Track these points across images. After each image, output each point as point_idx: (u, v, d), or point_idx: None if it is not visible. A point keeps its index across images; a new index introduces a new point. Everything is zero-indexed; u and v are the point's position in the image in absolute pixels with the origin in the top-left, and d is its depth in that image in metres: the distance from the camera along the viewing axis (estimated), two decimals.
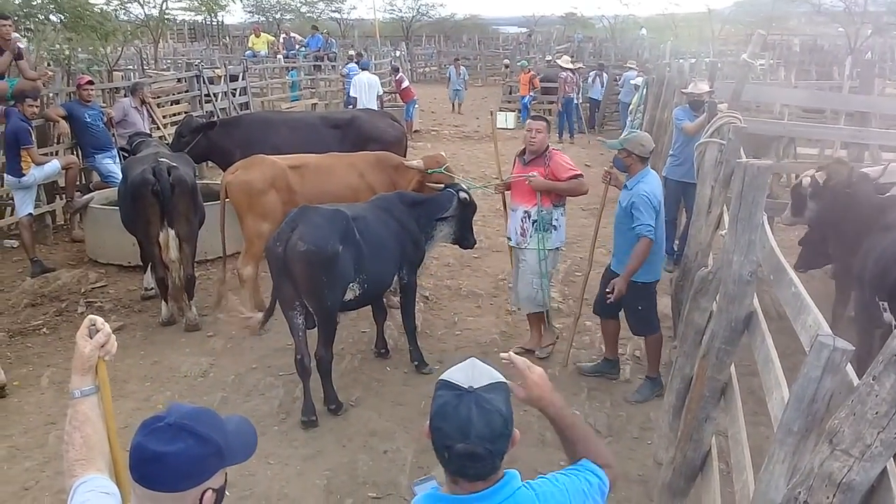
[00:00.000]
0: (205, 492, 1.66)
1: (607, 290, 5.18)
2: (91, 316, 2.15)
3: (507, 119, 19.20)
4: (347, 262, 4.87)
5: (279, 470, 4.49)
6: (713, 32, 29.06)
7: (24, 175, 7.64)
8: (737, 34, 31.42)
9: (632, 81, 15.63)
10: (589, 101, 18.90)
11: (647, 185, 5.02)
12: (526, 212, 5.66)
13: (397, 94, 18.04)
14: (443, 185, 5.94)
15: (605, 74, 18.79)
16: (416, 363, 5.75)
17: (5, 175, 7.73)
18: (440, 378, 1.78)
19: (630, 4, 74.52)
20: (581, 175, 5.63)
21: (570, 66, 17.62)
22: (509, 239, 5.92)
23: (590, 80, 18.79)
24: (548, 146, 5.68)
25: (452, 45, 38.35)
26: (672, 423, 4.08)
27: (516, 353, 2.17)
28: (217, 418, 1.73)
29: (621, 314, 5.45)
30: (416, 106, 18.02)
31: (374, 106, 14.02)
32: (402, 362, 5.87)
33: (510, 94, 21.68)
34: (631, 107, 14.53)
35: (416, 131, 17.30)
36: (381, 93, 15.24)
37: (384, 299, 6.06)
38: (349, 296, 5.02)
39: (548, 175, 5.54)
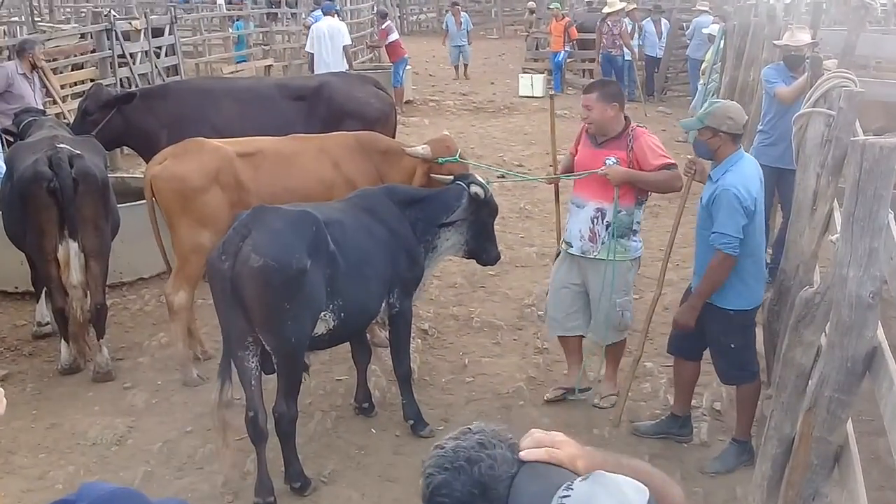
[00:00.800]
0: None
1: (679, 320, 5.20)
2: None
3: (532, 84, 19.34)
4: (318, 283, 4.90)
5: None
6: None
7: None
8: None
9: (704, 30, 15.69)
10: (645, 59, 18.94)
11: (738, 174, 5.00)
12: (599, 210, 5.69)
13: (382, 50, 18.14)
14: (451, 178, 5.95)
15: (665, 21, 18.86)
16: (411, 422, 5.76)
17: None
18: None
19: None
20: (675, 164, 5.65)
21: (619, 6, 17.68)
22: (569, 245, 5.92)
23: (644, 29, 18.81)
24: (628, 122, 5.73)
25: None
26: (767, 501, 4.08)
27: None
28: (146, 500, 1.74)
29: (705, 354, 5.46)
30: (408, 67, 18.10)
31: (341, 65, 13.89)
32: (392, 421, 5.90)
33: (537, 49, 21.78)
34: (703, 64, 14.59)
35: (407, 102, 17.42)
36: (348, 44, 14.82)
37: (368, 334, 6.07)
38: (321, 329, 5.04)
39: (631, 162, 5.57)
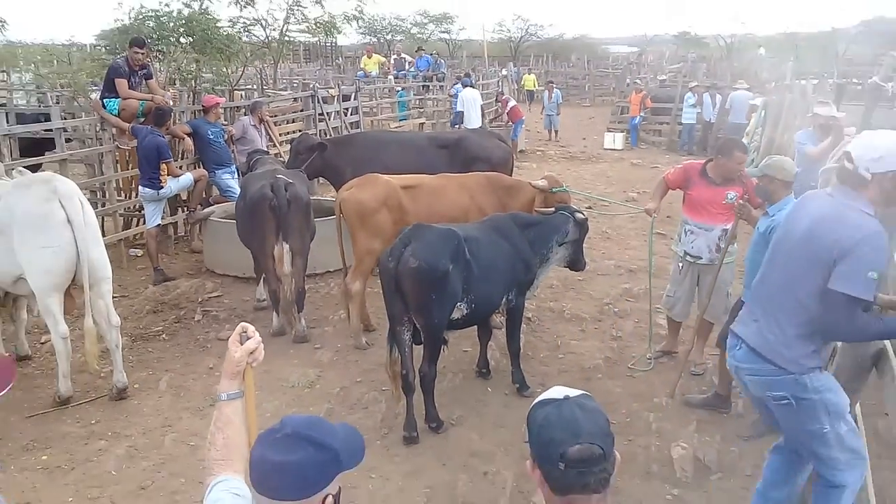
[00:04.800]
0: (325, 498, 1.72)
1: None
2: (243, 323, 2.29)
3: (615, 139, 19.01)
4: (456, 282, 4.94)
5: (381, 485, 4.58)
6: (838, 53, 27.76)
7: (162, 188, 8.18)
8: (863, 55, 29.87)
9: (751, 101, 15.15)
10: (703, 122, 18.39)
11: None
12: (723, 230, 5.64)
13: (505, 115, 18.16)
14: (553, 209, 5.92)
15: (718, 95, 18.30)
16: (517, 385, 5.74)
17: (141, 188, 8.26)
18: (532, 405, 1.80)
19: (747, 23, 72.07)
20: None
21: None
22: (696, 258, 5.83)
23: (693, 99, 18.19)
24: None
25: (560, 64, 38.28)
26: None
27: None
28: (330, 426, 1.79)
29: None
30: (523, 126, 18.09)
31: (479, 119, 14.94)
32: (503, 384, 5.88)
33: (620, 114, 21.40)
34: (748, 128, 14.09)
35: (521, 151, 17.35)
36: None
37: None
38: (457, 314, 5.08)
39: (745, 194, 5.51)
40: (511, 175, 8.25)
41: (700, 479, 4.62)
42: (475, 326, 5.79)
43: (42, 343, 6.55)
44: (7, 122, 8.22)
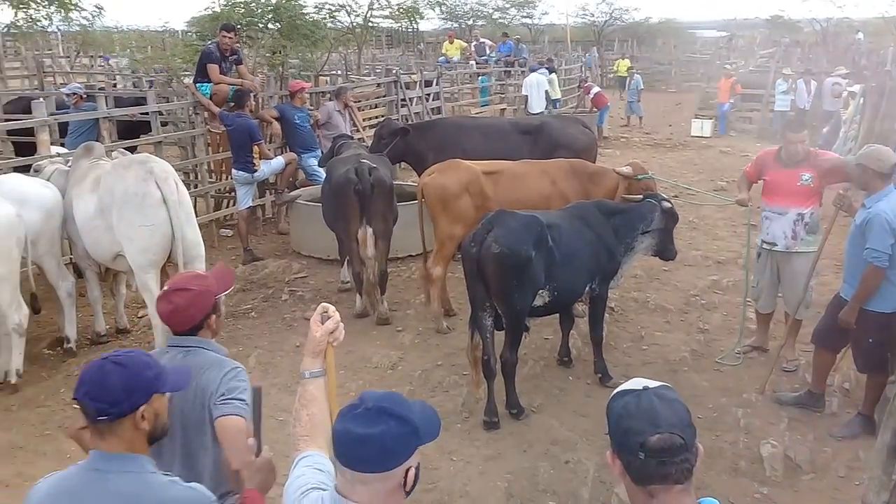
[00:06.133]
0: (407, 470, 1.76)
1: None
2: (324, 304, 2.34)
3: (702, 127, 18.46)
4: (539, 269, 4.91)
5: (461, 467, 4.62)
6: None
7: (255, 171, 8.42)
8: None
9: (849, 89, 14.44)
10: (796, 109, 17.65)
11: (888, 203, 4.55)
12: (800, 214, 5.48)
13: (586, 100, 17.89)
14: (641, 196, 5.80)
15: (813, 81, 17.52)
16: (599, 375, 5.68)
17: (234, 171, 8.52)
18: (611, 396, 1.79)
19: (844, 7, 68.47)
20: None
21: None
22: (772, 244, 5.64)
23: (784, 86, 17.45)
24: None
25: (646, 49, 37.37)
26: (887, 464, 3.74)
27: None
28: (406, 401, 1.83)
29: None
30: (608, 112, 17.80)
31: (543, 104, 15.34)
32: (584, 373, 5.83)
33: (708, 100, 20.75)
34: (845, 116, 13.44)
35: (604, 138, 17.06)
36: (551, 94, 16.10)
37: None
38: (539, 301, 5.06)
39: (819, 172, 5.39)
40: (594, 162, 8.12)
41: (790, 479, 4.47)
42: (557, 314, 5.75)
43: (139, 317, 6.85)
44: (106, 105, 8.60)
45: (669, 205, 5.70)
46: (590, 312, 5.66)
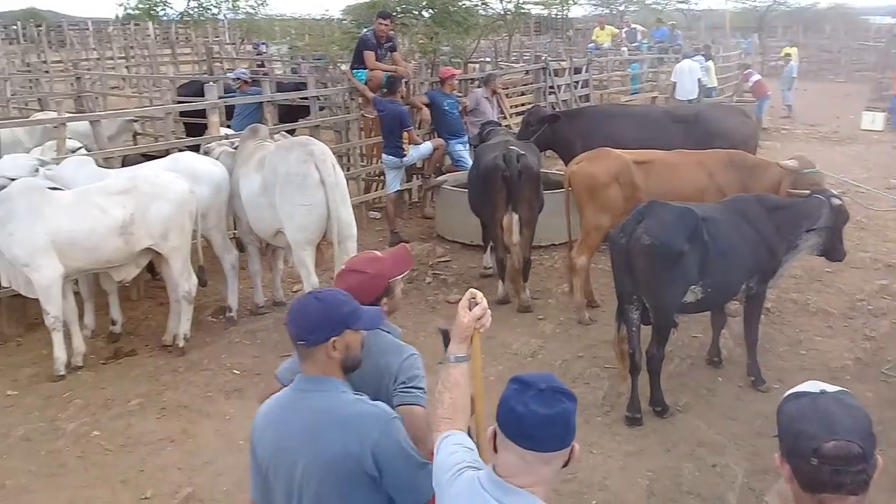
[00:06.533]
0: (573, 447, 1.80)
1: None
2: (473, 290, 2.37)
3: (874, 120, 17.07)
4: (692, 263, 4.73)
5: (601, 461, 4.56)
6: None
7: (404, 156, 8.66)
8: None
9: None
10: None
11: None
12: None
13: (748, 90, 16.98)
14: (808, 192, 5.45)
15: None
16: (752, 378, 5.41)
17: (384, 155, 8.78)
18: (784, 397, 1.70)
19: None
20: None
21: None
22: None
23: None
24: None
25: (812, 36, 34.95)
26: None
27: None
28: (559, 382, 1.85)
29: None
30: (768, 102, 16.82)
31: (694, 92, 14.74)
32: (735, 374, 5.57)
33: (881, 91, 19.16)
34: None
35: (764, 129, 16.13)
36: (707, 82, 15.53)
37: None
38: (690, 298, 4.88)
39: None
40: (754, 154, 7.71)
41: None
42: (708, 312, 5.53)
43: (294, 292, 7.22)
44: (269, 90, 9.09)
45: (839, 202, 5.31)
46: (745, 312, 5.40)
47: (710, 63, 16.39)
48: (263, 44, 21.69)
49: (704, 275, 4.83)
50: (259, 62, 16.84)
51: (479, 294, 2.36)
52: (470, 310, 2.30)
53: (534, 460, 1.76)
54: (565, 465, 1.80)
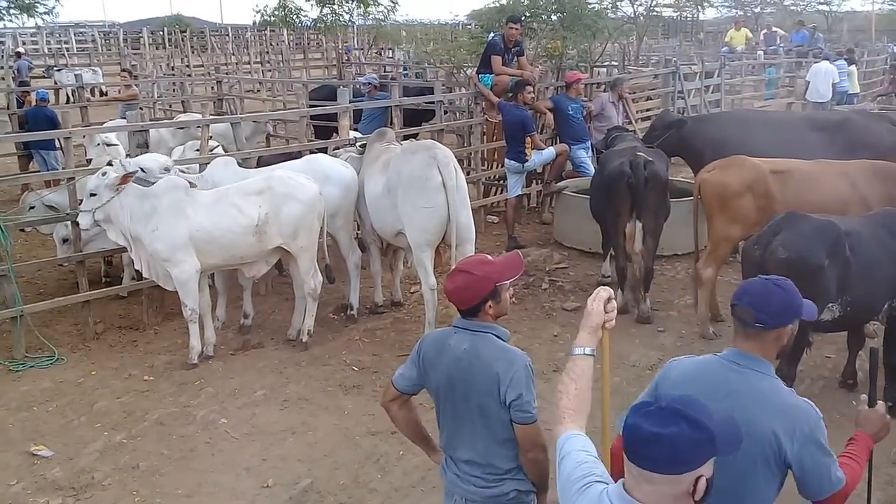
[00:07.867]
0: (698, 478, 1.70)
1: None
2: (605, 287, 2.39)
3: None
4: (831, 279, 4.47)
5: None
6: None
7: (526, 161, 8.66)
8: None
9: None
10: None
11: None
12: None
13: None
14: None
15: None
16: (890, 404, 4.97)
17: (507, 160, 8.81)
18: None
19: None
20: None
21: None
22: None
23: None
24: None
25: None
26: None
27: None
28: (705, 407, 1.76)
29: None
30: None
31: (827, 96, 13.99)
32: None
33: None
34: None
35: None
36: (848, 88, 14.84)
37: None
38: (827, 316, 4.59)
39: None
40: None
41: None
42: (845, 332, 5.20)
43: (411, 293, 7.35)
44: (397, 95, 9.30)
45: None
46: (886, 333, 5.02)
47: (853, 68, 15.41)
48: (351, 49, 22.57)
49: (844, 292, 4.55)
50: (389, 67, 17.38)
51: (611, 292, 2.41)
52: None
53: (639, 476, 1.73)
54: (693, 496, 1.71)
